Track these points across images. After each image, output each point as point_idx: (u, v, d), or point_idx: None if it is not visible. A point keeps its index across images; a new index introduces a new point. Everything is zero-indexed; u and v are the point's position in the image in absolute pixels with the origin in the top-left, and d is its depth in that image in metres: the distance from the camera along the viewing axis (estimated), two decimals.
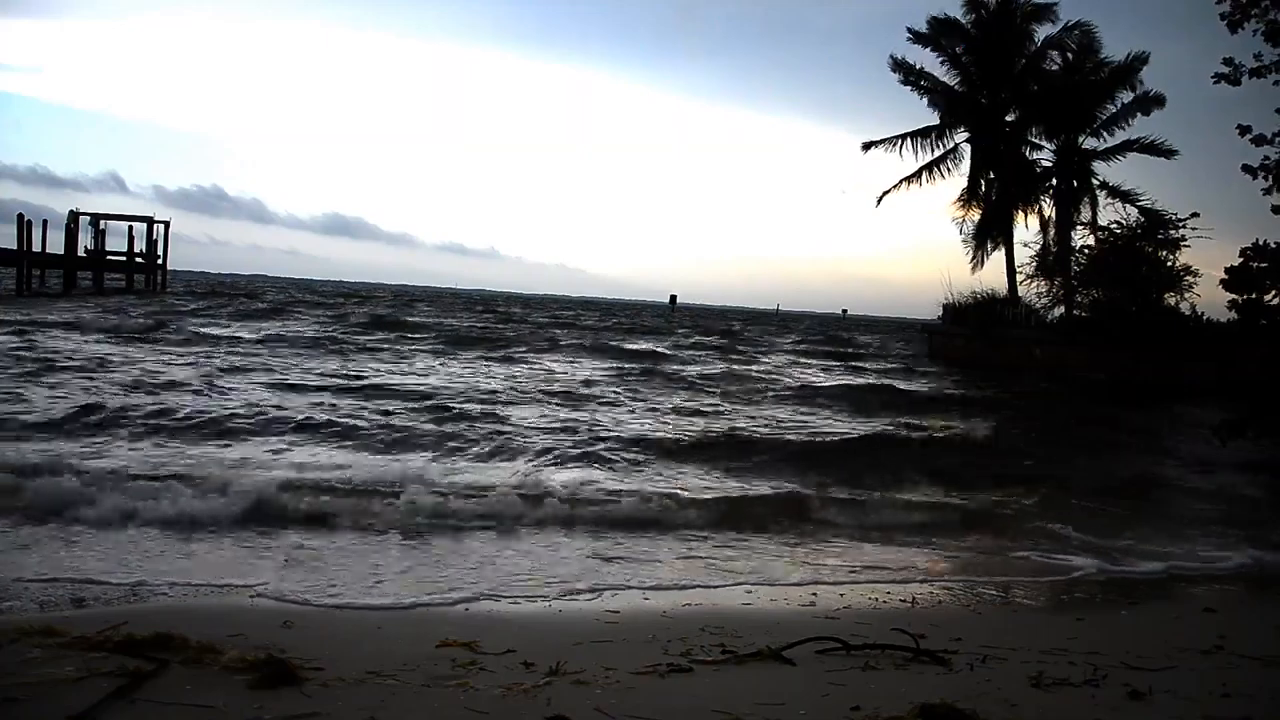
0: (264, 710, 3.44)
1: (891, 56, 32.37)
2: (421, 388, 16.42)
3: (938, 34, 32.18)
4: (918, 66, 32.29)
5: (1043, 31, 31.54)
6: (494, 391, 16.63)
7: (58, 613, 4.87)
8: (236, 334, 27.12)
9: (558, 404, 15.71)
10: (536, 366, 23.10)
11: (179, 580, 5.71)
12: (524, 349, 28.28)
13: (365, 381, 16.94)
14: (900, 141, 32.90)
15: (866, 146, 33.28)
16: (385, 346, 26.09)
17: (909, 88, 32.48)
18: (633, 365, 24.34)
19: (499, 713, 3.56)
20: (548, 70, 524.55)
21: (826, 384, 22.55)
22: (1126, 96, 30.24)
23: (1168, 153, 30.11)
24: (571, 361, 25.23)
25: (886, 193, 34.05)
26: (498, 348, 28.02)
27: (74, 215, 47.99)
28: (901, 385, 22.66)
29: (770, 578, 6.64)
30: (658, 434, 12.79)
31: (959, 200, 33.18)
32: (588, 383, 19.28)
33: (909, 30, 32.20)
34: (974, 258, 32.93)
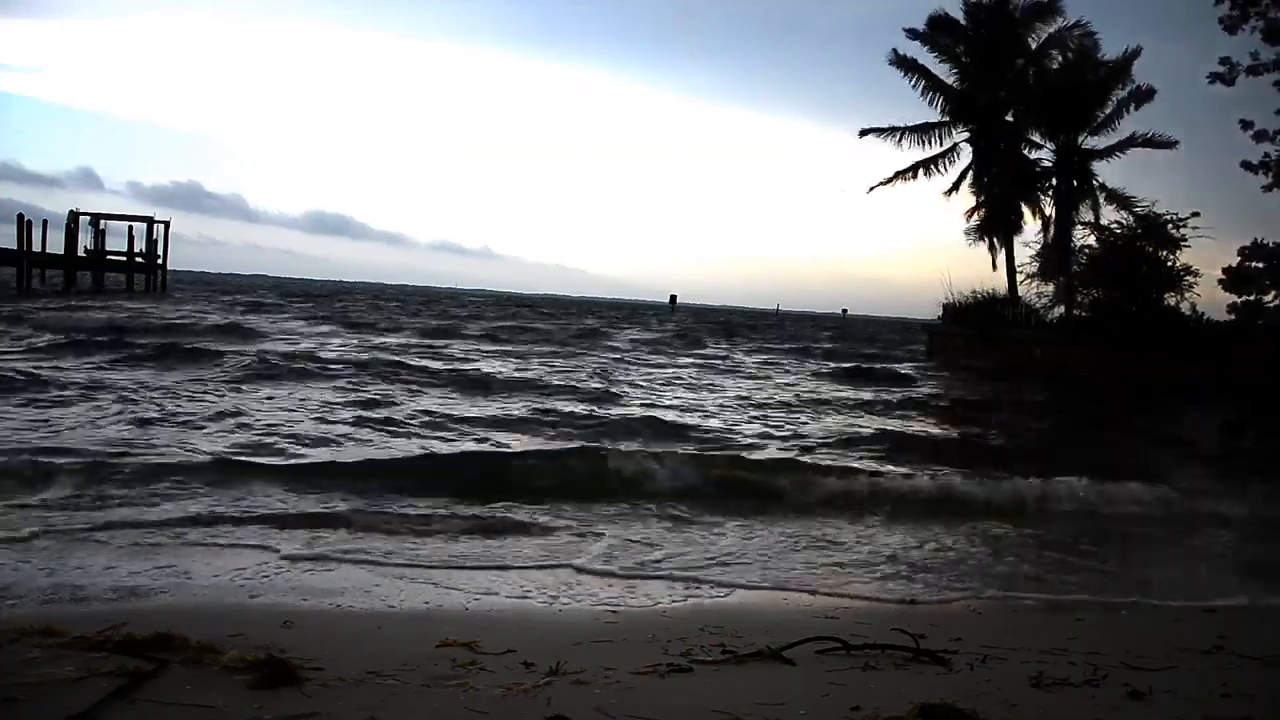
0: (264, 710, 3.43)
1: (893, 50, 32.40)
2: None
3: (935, 32, 32.22)
4: (918, 62, 32.34)
5: (1043, 29, 31.61)
6: None
7: (58, 612, 4.87)
8: None
9: None
10: None
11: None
12: None
13: None
14: (900, 134, 32.91)
15: (864, 133, 33.30)
16: None
17: (911, 78, 32.47)
18: None
19: (499, 713, 3.56)
20: (546, 70, 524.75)
21: None
22: (1124, 94, 30.31)
23: (1168, 144, 30.09)
24: None
25: (878, 185, 34.10)
26: None
27: (74, 215, 48.17)
28: None
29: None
30: None
31: (971, 207, 33.24)
32: None
33: (905, 30, 32.26)
34: (992, 251, 32.95)
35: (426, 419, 13.20)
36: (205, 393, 14.41)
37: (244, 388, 15.46)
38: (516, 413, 14.46)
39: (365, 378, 17.79)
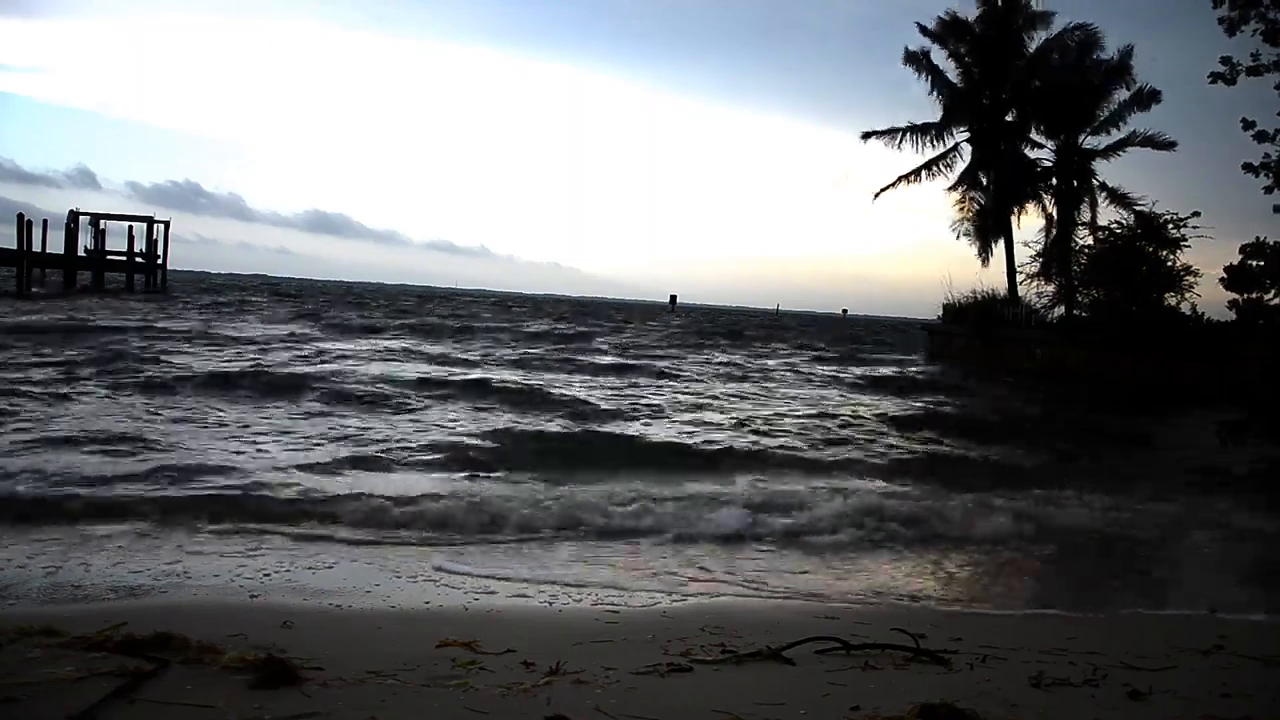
0: (264, 710, 3.43)
1: (906, 48, 32.49)
2: None
3: (943, 32, 32.31)
4: (927, 57, 32.38)
5: (1040, 35, 31.66)
6: None
7: (58, 612, 4.87)
8: None
9: None
10: None
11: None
12: None
13: None
14: (901, 135, 32.92)
15: (866, 136, 33.30)
16: None
17: (921, 73, 32.48)
18: None
19: (499, 713, 3.56)
20: (542, 69, 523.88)
21: None
22: (1124, 94, 30.27)
23: (1168, 145, 30.04)
24: None
25: (884, 189, 34.13)
26: None
27: (74, 215, 48.23)
28: None
29: None
30: None
31: (959, 199, 33.29)
32: None
33: (918, 24, 32.34)
34: (980, 254, 32.97)
35: (385, 438, 11.77)
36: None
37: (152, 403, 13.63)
38: (491, 426, 13.15)
39: (343, 387, 16.21)
